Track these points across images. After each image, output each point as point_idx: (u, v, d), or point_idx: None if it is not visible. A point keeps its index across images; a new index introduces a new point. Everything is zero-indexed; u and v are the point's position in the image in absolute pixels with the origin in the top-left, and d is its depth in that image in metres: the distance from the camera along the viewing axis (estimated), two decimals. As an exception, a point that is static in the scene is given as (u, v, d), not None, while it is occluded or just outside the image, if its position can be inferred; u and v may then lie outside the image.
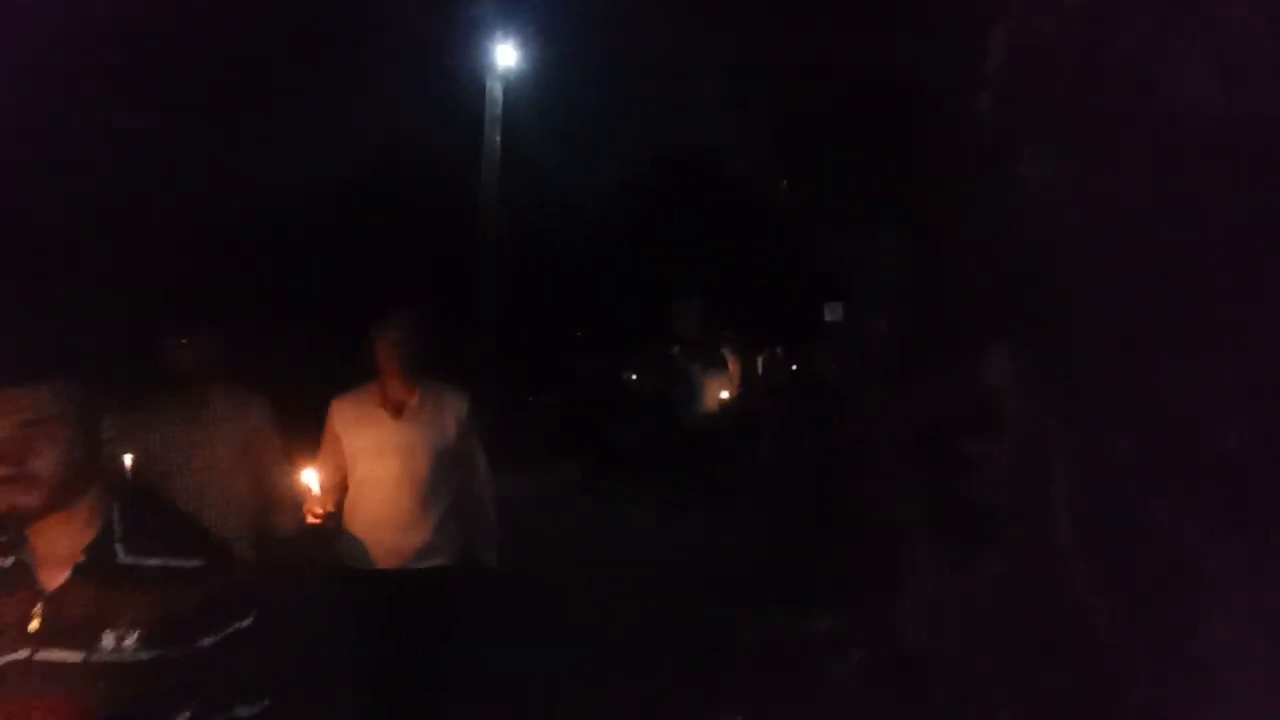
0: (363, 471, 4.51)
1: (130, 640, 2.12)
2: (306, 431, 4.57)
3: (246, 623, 2.30)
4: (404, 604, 4.37)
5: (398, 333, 4.55)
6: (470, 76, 17.34)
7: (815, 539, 7.82)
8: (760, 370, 15.72)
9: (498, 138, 17.07)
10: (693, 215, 21.55)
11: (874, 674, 5.50)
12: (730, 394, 11.80)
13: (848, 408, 8.51)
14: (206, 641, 2.23)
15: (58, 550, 2.20)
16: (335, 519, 4.29)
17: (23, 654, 2.11)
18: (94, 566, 2.20)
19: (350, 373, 4.60)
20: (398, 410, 4.55)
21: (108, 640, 2.11)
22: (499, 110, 17.17)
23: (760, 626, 6.83)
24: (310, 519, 4.14)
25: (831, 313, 16.82)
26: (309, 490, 4.07)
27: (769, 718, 5.43)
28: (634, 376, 19.44)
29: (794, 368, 16.77)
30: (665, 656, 6.44)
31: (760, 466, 12.58)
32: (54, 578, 2.20)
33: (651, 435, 13.83)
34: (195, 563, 2.25)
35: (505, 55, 17.43)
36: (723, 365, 12.17)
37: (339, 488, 4.50)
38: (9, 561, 2.23)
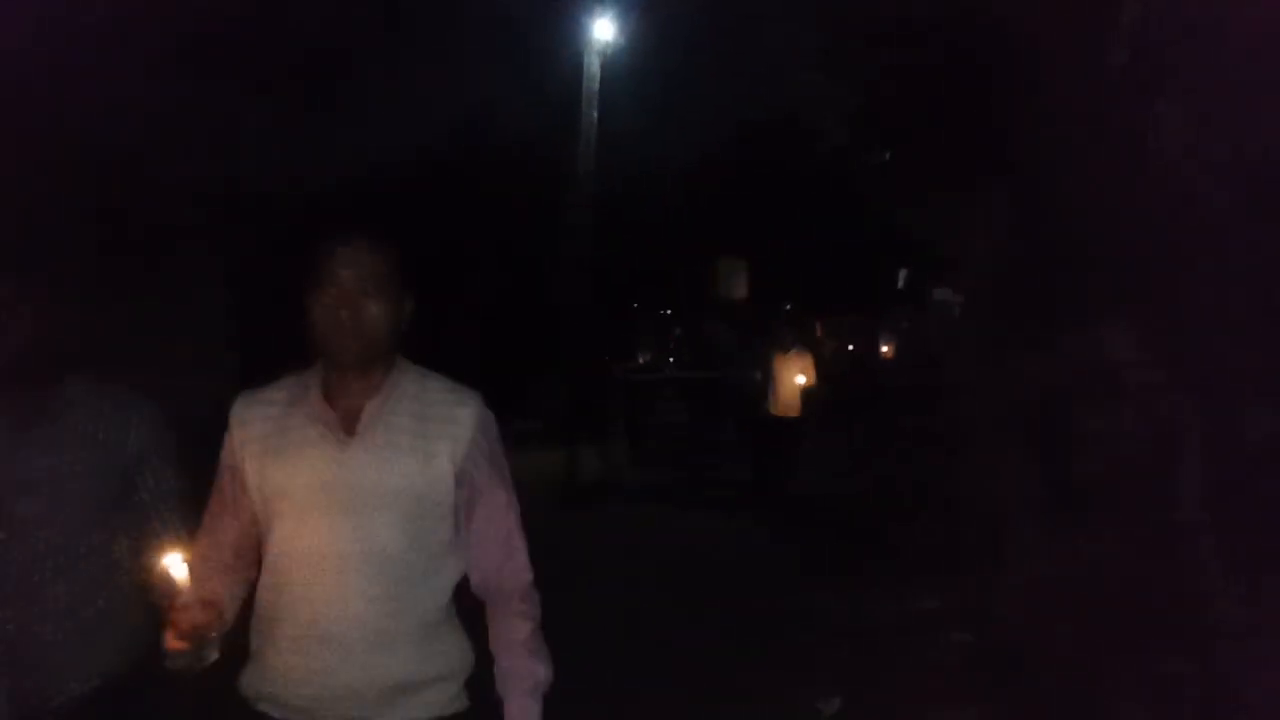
0: (285, 540, 2.24)
1: None
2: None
3: None
4: None
5: (353, 267, 2.20)
6: (567, 52, 17.37)
7: (916, 520, 7.68)
8: (829, 348, 14.96)
9: (595, 113, 17.04)
10: (783, 187, 21.27)
11: (977, 657, 5.37)
12: (807, 376, 10.56)
13: (945, 385, 8.32)
14: None
15: None
16: (204, 640, 2.10)
17: None
18: None
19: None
20: (348, 423, 2.24)
21: None
22: (596, 85, 17.13)
23: (859, 609, 6.73)
24: (172, 639, 2.08)
25: (904, 281, 16.29)
26: (168, 582, 2.06)
27: (868, 699, 5.34)
28: (671, 360, 18.02)
29: (850, 348, 15.97)
30: (765, 638, 6.38)
31: (849, 453, 12.21)
32: None
33: (714, 423, 12.85)
34: None
35: (603, 30, 17.39)
36: (792, 343, 10.91)
37: (241, 570, 2.33)
38: None
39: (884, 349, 14.83)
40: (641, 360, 16.32)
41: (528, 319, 17.43)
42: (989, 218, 5.28)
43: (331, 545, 2.19)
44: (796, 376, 10.13)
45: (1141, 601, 3.62)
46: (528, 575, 2.39)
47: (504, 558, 2.36)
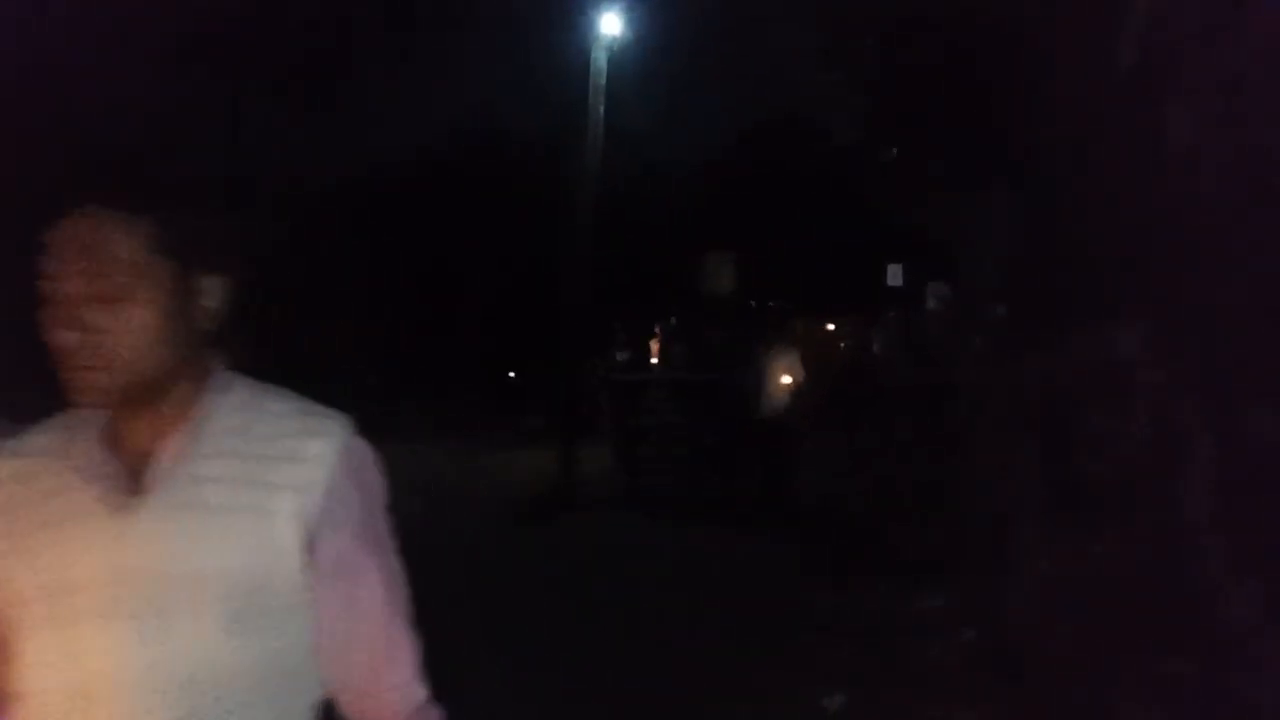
0: (47, 662, 1.35)
1: None
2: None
3: None
4: None
5: (84, 258, 1.33)
6: (574, 46, 17.36)
7: (919, 520, 7.65)
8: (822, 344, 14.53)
9: (601, 108, 17.01)
10: (788, 183, 21.19)
11: (980, 656, 5.35)
12: (793, 376, 9.75)
13: (948, 384, 8.31)
14: None
15: None
16: None
17: None
18: None
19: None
20: (138, 477, 1.38)
21: None
22: (603, 80, 17.10)
23: (862, 608, 6.71)
24: None
25: (893, 276, 16.04)
26: None
27: (872, 697, 5.33)
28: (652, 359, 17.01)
29: (840, 345, 15.52)
30: (768, 637, 6.38)
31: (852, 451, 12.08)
32: None
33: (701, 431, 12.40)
34: None
35: (610, 24, 17.35)
36: (776, 342, 10.32)
37: None
38: None
39: (874, 347, 14.58)
40: (620, 358, 15.25)
41: (530, 317, 17.41)
42: (995, 217, 5.26)
43: (118, 667, 1.34)
44: (780, 377, 9.72)
45: (1146, 602, 3.60)
46: (416, 693, 1.52)
47: (379, 666, 1.50)
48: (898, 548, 7.52)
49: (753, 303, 16.23)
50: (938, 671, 5.49)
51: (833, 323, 16.00)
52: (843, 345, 15.52)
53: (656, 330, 16.44)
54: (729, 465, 11.46)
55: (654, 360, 15.58)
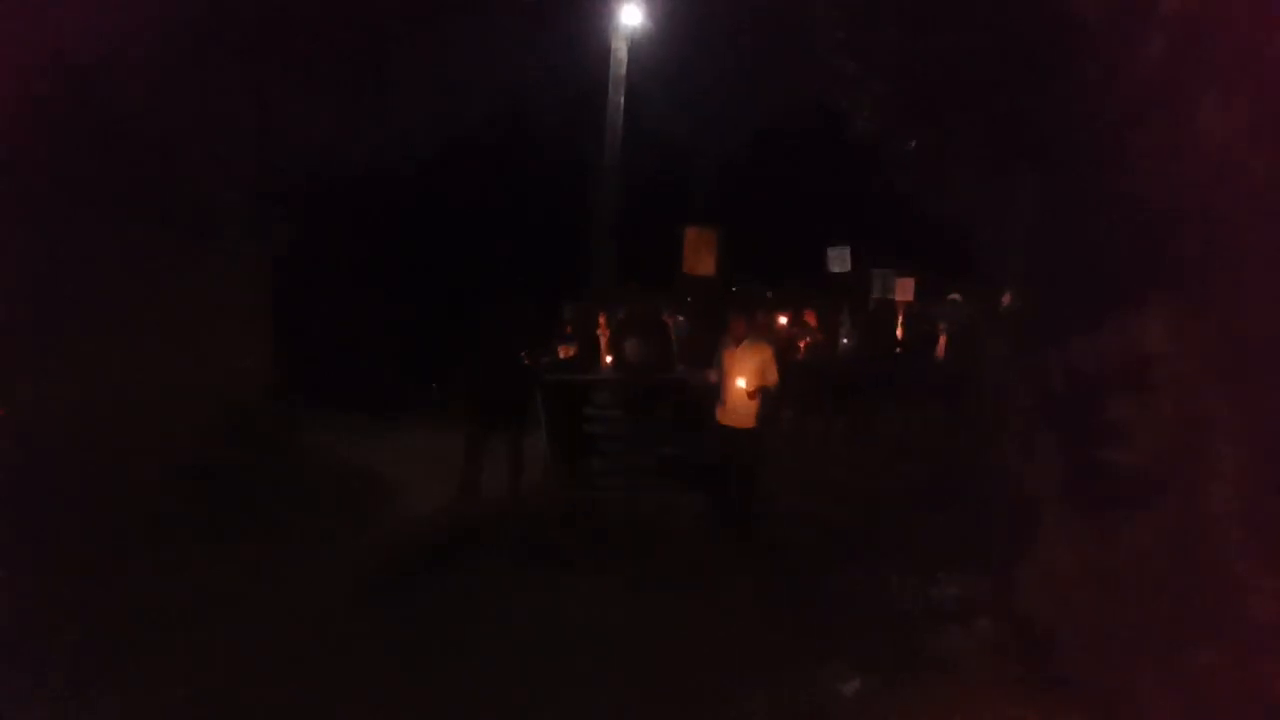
0: None
1: None
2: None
3: None
4: None
5: None
6: (594, 36, 17.32)
7: (942, 509, 7.59)
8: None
9: (621, 98, 16.99)
10: (813, 175, 21.02)
11: (999, 644, 5.33)
12: (762, 375, 8.20)
13: (954, 375, 8.26)
14: None
15: None
16: None
17: None
18: None
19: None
20: None
21: None
22: (623, 70, 17.09)
23: (878, 595, 6.69)
24: None
25: (839, 262, 15.32)
26: None
27: (888, 683, 5.32)
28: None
29: (805, 342, 14.59)
30: (784, 622, 6.37)
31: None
32: None
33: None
34: None
35: (630, 15, 17.33)
36: (743, 334, 8.26)
37: None
38: None
39: (844, 341, 13.95)
40: (564, 355, 12.77)
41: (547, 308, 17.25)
42: (1022, 206, 5.23)
43: None
44: (739, 379, 8.16)
45: (1172, 593, 3.59)
46: None
47: None
48: (913, 538, 7.47)
49: (734, 289, 15.25)
50: (955, 659, 5.47)
51: (793, 311, 14.58)
52: (807, 340, 14.35)
53: (601, 323, 13.40)
54: (696, 477, 9.82)
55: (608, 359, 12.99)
